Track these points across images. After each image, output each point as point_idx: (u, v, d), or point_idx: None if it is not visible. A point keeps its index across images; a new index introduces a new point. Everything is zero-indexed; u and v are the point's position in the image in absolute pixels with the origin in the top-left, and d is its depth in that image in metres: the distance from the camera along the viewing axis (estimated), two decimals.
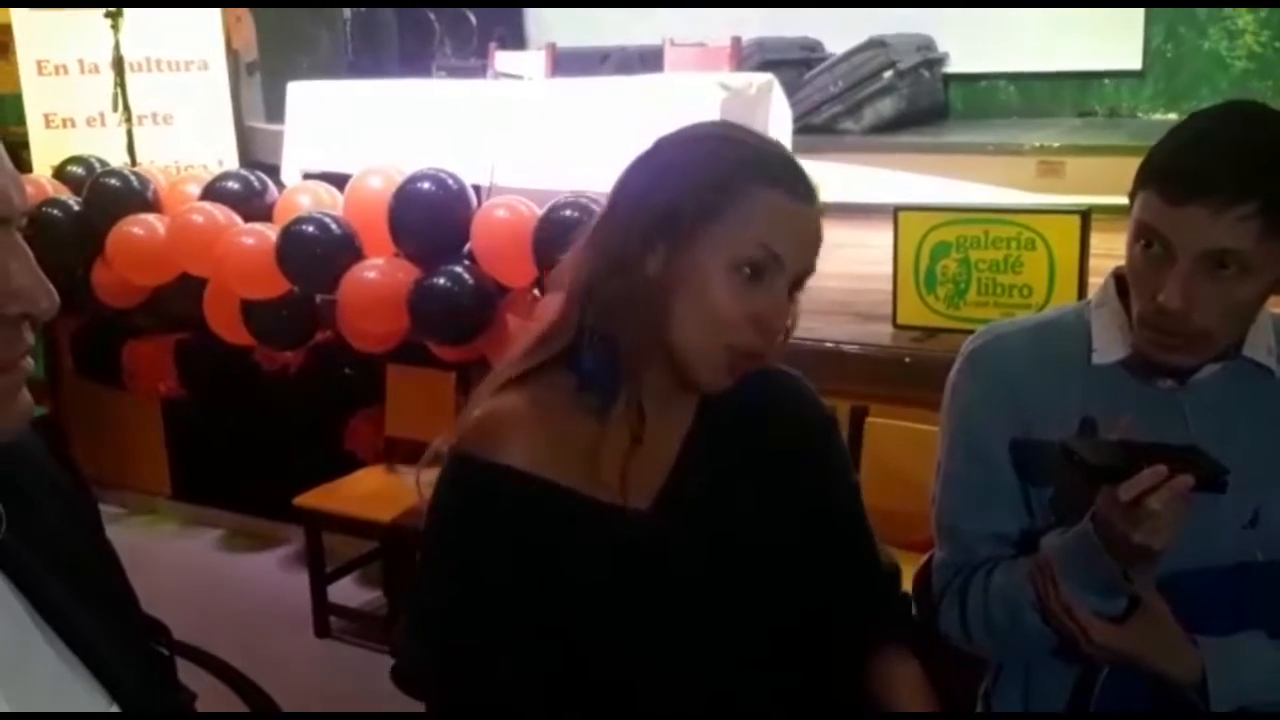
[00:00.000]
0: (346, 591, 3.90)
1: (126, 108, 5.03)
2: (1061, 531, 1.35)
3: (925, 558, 1.60)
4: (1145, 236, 1.30)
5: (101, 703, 0.96)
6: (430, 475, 1.31)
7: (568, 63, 5.73)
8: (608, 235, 1.24)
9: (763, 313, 1.20)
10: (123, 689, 0.97)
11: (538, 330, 1.30)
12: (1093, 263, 2.94)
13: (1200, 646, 1.33)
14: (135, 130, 5.05)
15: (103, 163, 4.81)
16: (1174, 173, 1.27)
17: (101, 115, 5.18)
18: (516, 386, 1.30)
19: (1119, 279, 1.44)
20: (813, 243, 1.23)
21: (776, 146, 1.26)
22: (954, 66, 6.33)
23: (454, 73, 5.79)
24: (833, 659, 1.34)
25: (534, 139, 4.12)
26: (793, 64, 6.04)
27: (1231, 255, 1.25)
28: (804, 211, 1.22)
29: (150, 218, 4.18)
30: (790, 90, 5.06)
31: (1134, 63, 6.01)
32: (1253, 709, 1.34)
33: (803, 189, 1.22)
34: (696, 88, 4.20)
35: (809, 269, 1.23)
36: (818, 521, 1.34)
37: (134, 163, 4.92)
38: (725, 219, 1.19)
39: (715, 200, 1.19)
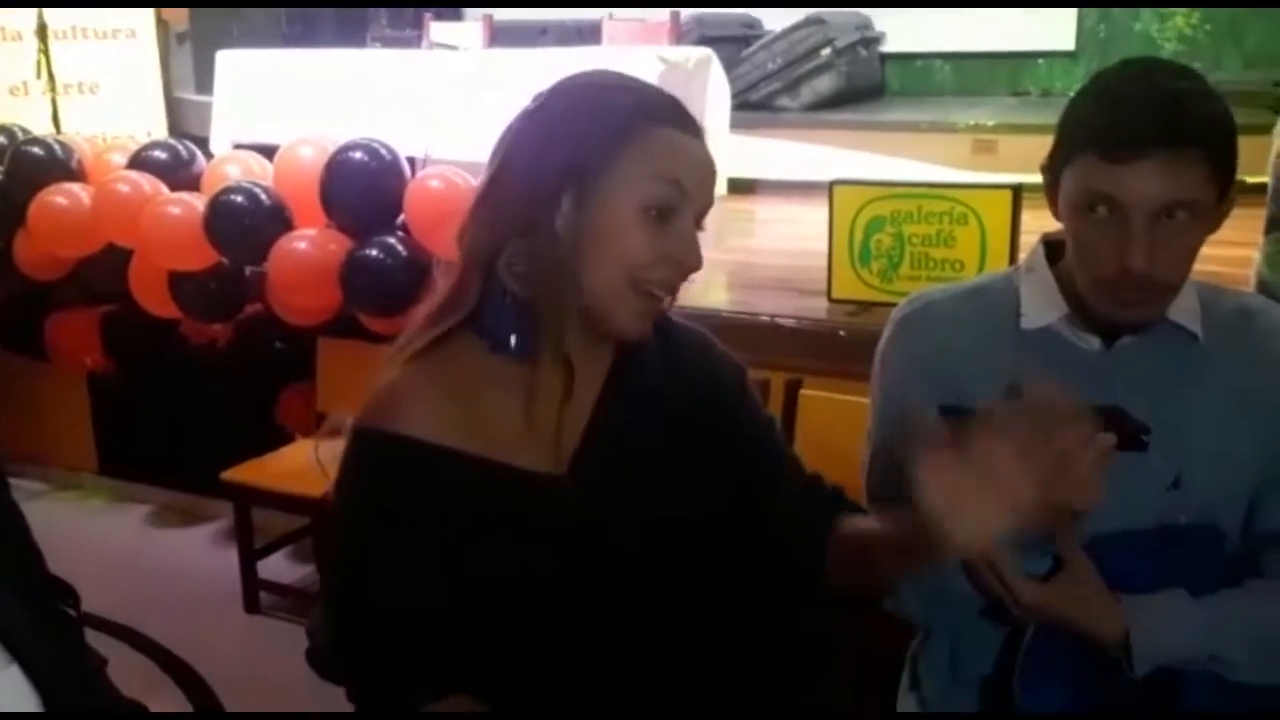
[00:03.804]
0: (278, 567, 3.83)
1: (51, 76, 4.92)
2: None
3: None
4: (1092, 201, 1.31)
5: None
6: (331, 449, 1.29)
7: (505, 35, 5.67)
8: (507, 197, 1.23)
9: (675, 250, 1.21)
10: (18, 641, 0.94)
11: (437, 300, 1.28)
12: (1023, 238, 2.96)
13: (1123, 604, 1.34)
14: (60, 100, 4.93)
15: (25, 131, 4.68)
16: (1114, 133, 1.27)
17: (25, 84, 5.07)
18: (421, 357, 1.28)
19: (1048, 244, 1.45)
20: (709, 176, 1.25)
21: (659, 89, 1.28)
22: (891, 45, 6.35)
23: (389, 43, 5.70)
24: (771, 608, 1.33)
25: (469, 111, 4.08)
26: (731, 40, 6.02)
27: (1184, 205, 1.27)
28: (697, 145, 1.25)
29: (74, 187, 4.06)
30: (729, 67, 5.06)
31: (1067, 44, 6.08)
32: (1173, 669, 1.36)
33: (691, 125, 1.25)
34: (634, 61, 4.18)
35: (709, 202, 1.25)
36: (742, 470, 1.34)
37: (59, 133, 4.80)
38: (628, 161, 1.19)
39: (615, 145, 1.19)
